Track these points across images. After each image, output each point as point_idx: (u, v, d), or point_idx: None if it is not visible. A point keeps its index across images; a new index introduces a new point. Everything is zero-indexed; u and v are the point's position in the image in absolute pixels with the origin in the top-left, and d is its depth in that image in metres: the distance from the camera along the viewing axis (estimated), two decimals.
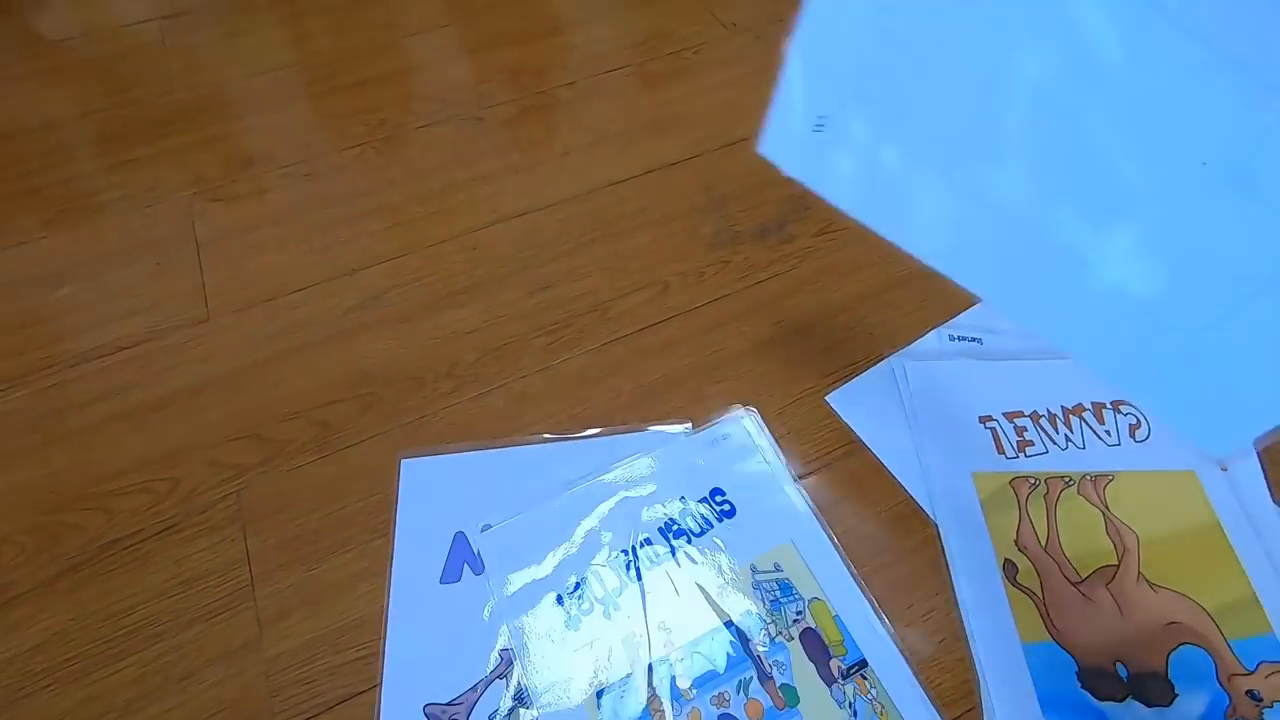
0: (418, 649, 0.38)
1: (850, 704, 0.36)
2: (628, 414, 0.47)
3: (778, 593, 0.39)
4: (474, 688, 0.37)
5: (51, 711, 0.37)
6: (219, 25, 0.78)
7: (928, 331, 0.51)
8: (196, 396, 0.49)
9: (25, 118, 0.68)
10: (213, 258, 0.57)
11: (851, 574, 0.40)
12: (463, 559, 0.41)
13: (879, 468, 0.45)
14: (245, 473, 0.45)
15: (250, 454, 0.46)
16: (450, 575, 0.41)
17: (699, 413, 0.47)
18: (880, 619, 0.39)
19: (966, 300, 0.53)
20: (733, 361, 0.50)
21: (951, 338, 0.50)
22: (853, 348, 0.51)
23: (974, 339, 0.50)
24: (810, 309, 0.53)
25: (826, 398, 0.48)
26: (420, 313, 0.53)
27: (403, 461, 0.45)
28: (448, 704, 0.37)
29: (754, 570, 0.40)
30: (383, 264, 0.56)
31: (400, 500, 0.43)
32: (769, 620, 0.39)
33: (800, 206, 0.59)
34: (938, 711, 0.37)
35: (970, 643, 0.38)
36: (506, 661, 0.38)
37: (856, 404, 0.47)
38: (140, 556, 0.42)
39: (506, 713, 0.36)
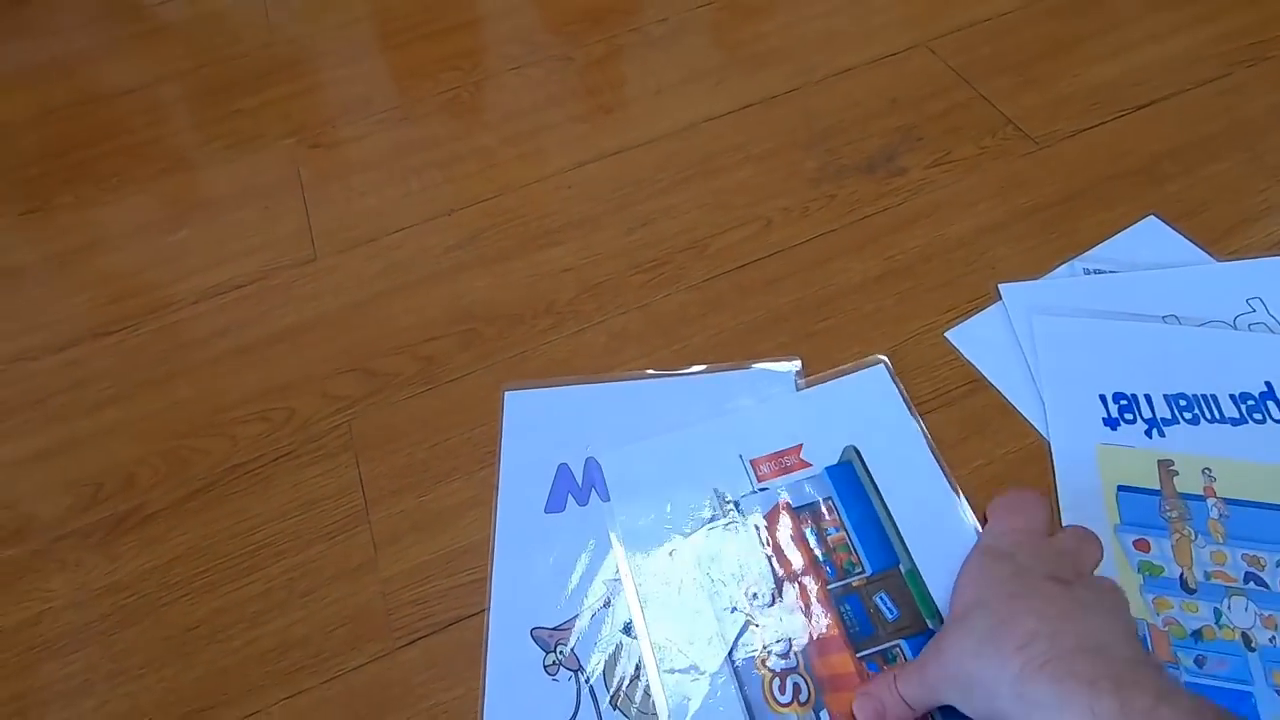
0: (524, 575, 0.38)
1: None
2: (731, 350, 0.46)
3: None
4: (580, 614, 0.37)
5: (188, 619, 0.39)
6: None
7: (1058, 265, 0.47)
8: (307, 332, 0.50)
9: (135, 77, 0.71)
10: (316, 201, 0.58)
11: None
12: (567, 490, 0.41)
13: (1006, 406, 0.42)
14: (355, 404, 0.46)
15: (359, 386, 0.47)
16: (554, 505, 0.40)
17: (806, 350, 0.45)
18: None
19: (1101, 230, 0.48)
20: (840, 298, 0.48)
21: (1087, 270, 0.46)
22: (973, 282, 0.47)
23: (1112, 272, 0.46)
24: (924, 243, 0.49)
25: (946, 334, 0.45)
26: (517, 251, 0.53)
27: (506, 394, 0.44)
28: (554, 629, 0.37)
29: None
30: (479, 204, 0.56)
31: (504, 432, 0.43)
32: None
33: (911, 138, 0.55)
34: None
35: None
36: (612, 592, 0.37)
37: (980, 340, 0.44)
38: (261, 480, 0.44)
39: (613, 644, 0.36)
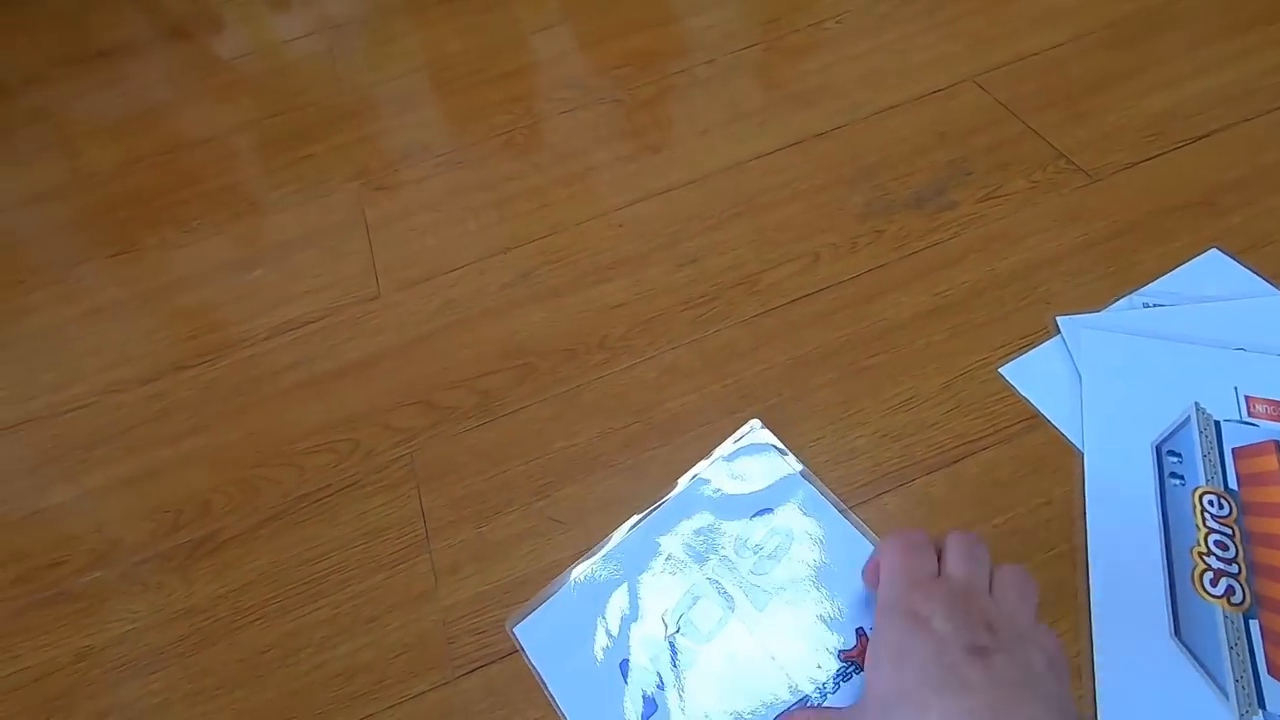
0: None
1: None
2: (783, 385, 0.46)
3: None
4: None
5: (260, 642, 0.41)
6: (371, 34, 0.84)
7: (1116, 299, 0.46)
8: (370, 366, 0.52)
9: (212, 127, 0.76)
10: (380, 241, 0.61)
11: None
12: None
13: (1064, 443, 0.41)
14: (416, 436, 0.48)
15: (420, 419, 0.49)
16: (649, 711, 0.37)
17: (856, 386, 0.45)
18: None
19: (1161, 263, 0.48)
20: (891, 333, 0.48)
21: (1146, 304, 0.45)
22: (1027, 317, 0.47)
23: (1174, 305, 0.45)
24: (976, 278, 0.49)
25: (1000, 369, 0.45)
26: (570, 288, 0.54)
27: (515, 629, 0.40)
28: None
29: None
30: (532, 243, 0.58)
31: (537, 663, 0.38)
32: None
33: (961, 172, 0.56)
34: None
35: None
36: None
37: (1036, 376, 0.44)
38: (328, 509, 0.46)
39: None
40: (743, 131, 0.63)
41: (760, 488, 0.42)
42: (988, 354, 0.46)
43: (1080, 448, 0.41)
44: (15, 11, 0.97)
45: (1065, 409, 0.42)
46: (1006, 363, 0.45)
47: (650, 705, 0.36)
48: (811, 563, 0.39)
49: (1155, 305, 0.45)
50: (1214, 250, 0.48)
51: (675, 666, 0.36)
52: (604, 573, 0.40)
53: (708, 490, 0.42)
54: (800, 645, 0.36)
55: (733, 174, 0.60)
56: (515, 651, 0.38)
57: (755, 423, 0.45)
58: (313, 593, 0.42)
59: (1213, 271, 0.47)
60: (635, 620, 0.38)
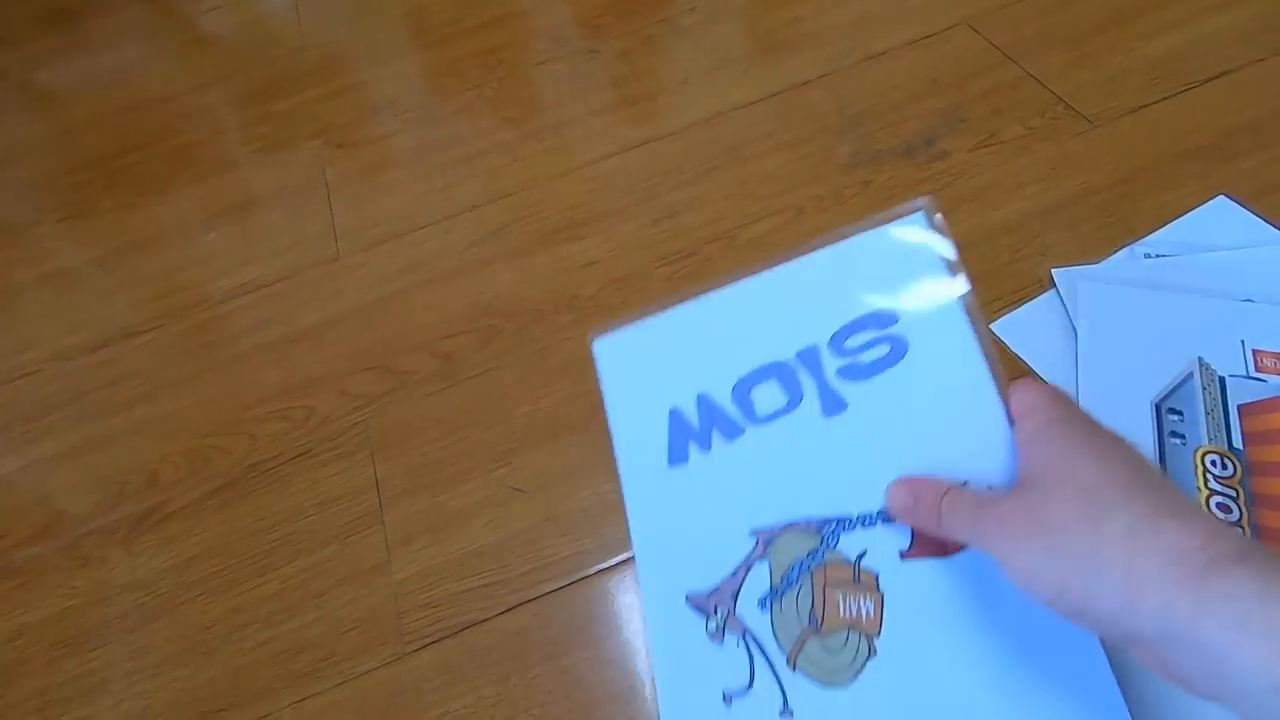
0: (662, 538, 0.33)
1: None
2: None
3: None
4: (734, 573, 0.32)
5: (204, 618, 0.39)
6: None
7: (1116, 250, 0.43)
8: (329, 330, 0.50)
9: (173, 85, 0.73)
10: (341, 200, 0.58)
11: None
12: (686, 438, 0.35)
13: None
14: (373, 402, 0.45)
15: (377, 384, 0.46)
16: (677, 457, 0.34)
17: None
18: None
19: (1164, 212, 0.44)
20: None
21: (1148, 255, 0.42)
22: (1022, 270, 0.44)
23: (1177, 256, 0.42)
24: (969, 229, 0.46)
25: (992, 325, 0.42)
26: (540, 246, 0.52)
27: (595, 342, 0.36)
28: (710, 593, 0.33)
29: None
30: (502, 199, 0.55)
31: (604, 385, 0.36)
32: None
33: (953, 120, 0.52)
34: None
35: None
36: (764, 542, 0.33)
37: (1029, 332, 0.41)
38: (280, 479, 0.43)
39: (783, 598, 0.32)
40: (725, 81, 0.60)
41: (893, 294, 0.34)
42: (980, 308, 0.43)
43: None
44: None
45: (1059, 366, 0.39)
46: (999, 318, 0.42)
47: (681, 455, 0.34)
48: (917, 393, 0.32)
49: (1158, 256, 0.42)
50: (1221, 197, 0.44)
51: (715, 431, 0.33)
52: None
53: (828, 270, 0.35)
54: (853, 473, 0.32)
55: (714, 125, 0.57)
56: (469, 627, 0.36)
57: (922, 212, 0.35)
58: (260, 566, 0.40)
59: (1219, 219, 0.44)
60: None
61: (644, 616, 0.33)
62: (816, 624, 0.30)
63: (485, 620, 0.36)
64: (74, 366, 0.52)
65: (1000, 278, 0.44)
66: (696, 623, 0.31)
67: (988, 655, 0.28)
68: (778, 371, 0.34)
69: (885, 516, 0.31)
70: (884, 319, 0.33)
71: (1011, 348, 0.41)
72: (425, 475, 0.42)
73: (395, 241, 0.54)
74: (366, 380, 0.47)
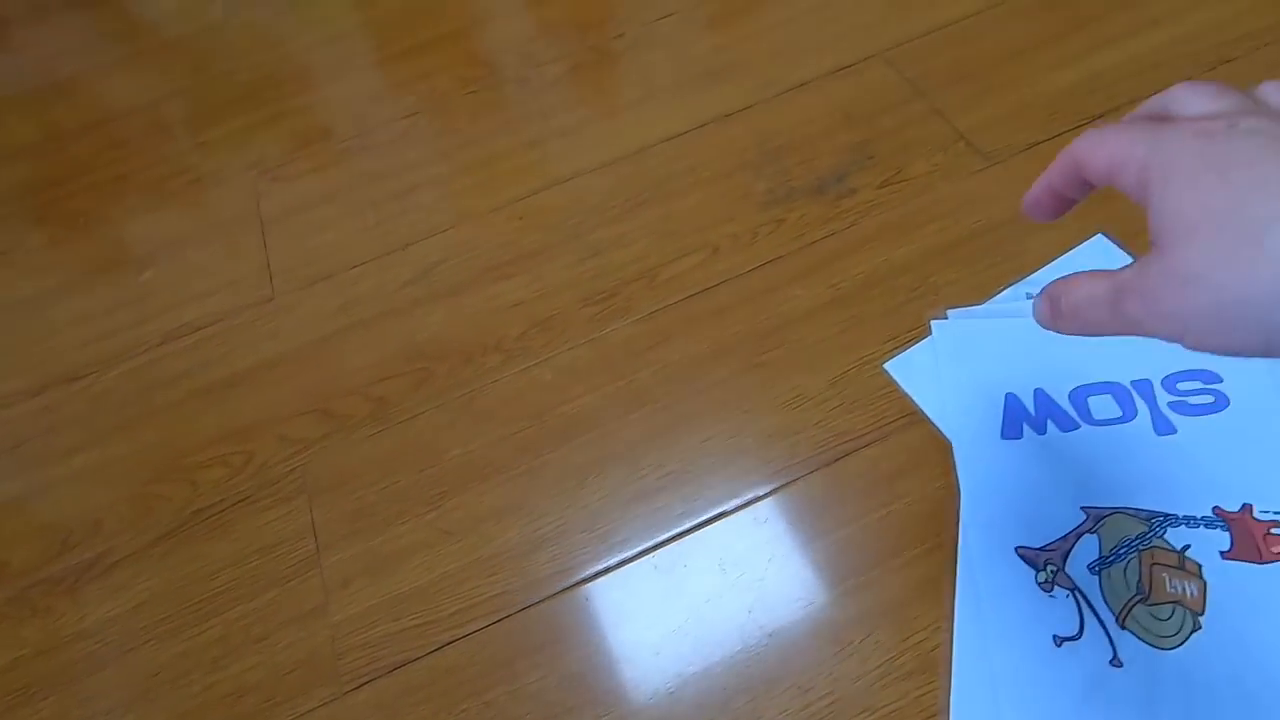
0: (992, 497, 0.39)
1: None
2: (678, 385, 0.46)
3: None
4: (1063, 537, 0.37)
5: (152, 664, 0.41)
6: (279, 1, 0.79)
7: (1002, 289, 0.47)
8: (266, 372, 0.51)
9: (102, 109, 0.72)
10: (276, 236, 0.59)
11: None
12: (1021, 419, 0.42)
13: (942, 441, 0.42)
14: (310, 446, 0.47)
15: (314, 428, 0.48)
16: (1010, 432, 0.41)
17: (749, 382, 0.46)
18: None
19: (1049, 250, 0.48)
20: (786, 328, 0.48)
21: (1028, 295, 0.46)
22: (917, 309, 0.47)
23: None
24: (871, 269, 0.49)
25: (884, 365, 0.45)
26: (470, 285, 0.53)
27: (934, 324, 0.46)
28: (1040, 548, 0.37)
29: None
30: (434, 236, 0.57)
31: (938, 361, 0.44)
32: None
33: (863, 156, 0.55)
34: None
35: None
36: (1095, 518, 0.37)
37: (918, 372, 0.44)
38: (222, 525, 0.45)
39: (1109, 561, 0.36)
40: (652, 113, 0.61)
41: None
42: (875, 349, 0.46)
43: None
44: None
45: (939, 403, 0.43)
46: (891, 358, 0.45)
47: (1015, 432, 0.41)
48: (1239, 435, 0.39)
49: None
50: (1100, 236, 0.48)
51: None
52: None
53: None
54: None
55: (640, 159, 0.59)
56: (402, 665, 0.39)
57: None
58: (204, 612, 0.42)
59: (1096, 257, 0.47)
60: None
61: (962, 567, 0.37)
62: (1145, 593, 0.35)
63: (418, 659, 0.39)
64: (10, 414, 0.52)
65: (897, 318, 0.47)
66: (1027, 573, 0.36)
67: None
68: (1113, 390, 0.41)
69: (1209, 522, 0.36)
70: (1209, 376, 0.41)
71: (903, 386, 0.44)
72: (361, 519, 0.44)
73: (329, 281, 0.56)
74: (304, 424, 0.49)
